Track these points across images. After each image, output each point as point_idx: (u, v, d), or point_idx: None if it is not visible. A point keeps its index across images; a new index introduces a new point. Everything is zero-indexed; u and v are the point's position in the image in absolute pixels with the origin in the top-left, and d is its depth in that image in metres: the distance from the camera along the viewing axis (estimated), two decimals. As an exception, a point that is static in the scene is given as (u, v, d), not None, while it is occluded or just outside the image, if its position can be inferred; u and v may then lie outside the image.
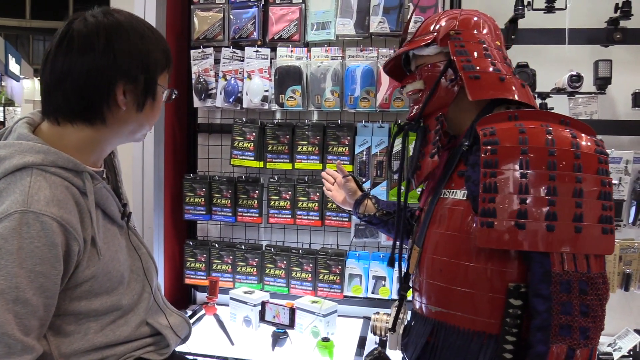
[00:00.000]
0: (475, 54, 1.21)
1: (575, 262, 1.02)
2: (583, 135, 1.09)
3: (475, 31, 1.26)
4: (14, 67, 13.61)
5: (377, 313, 1.41)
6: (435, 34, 1.26)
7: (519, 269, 1.09)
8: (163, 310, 1.28)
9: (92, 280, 1.06)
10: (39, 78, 1.09)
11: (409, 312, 1.36)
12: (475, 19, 1.28)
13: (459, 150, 1.21)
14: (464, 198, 1.15)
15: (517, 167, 1.05)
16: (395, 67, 1.47)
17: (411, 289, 1.33)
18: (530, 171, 1.04)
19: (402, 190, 1.38)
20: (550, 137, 1.06)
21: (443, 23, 1.27)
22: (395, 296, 2.14)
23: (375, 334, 1.39)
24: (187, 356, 1.40)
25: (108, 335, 1.11)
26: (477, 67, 1.19)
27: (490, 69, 1.19)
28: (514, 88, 1.20)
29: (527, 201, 1.03)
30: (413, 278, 1.30)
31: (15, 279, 0.93)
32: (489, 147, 1.08)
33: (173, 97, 1.19)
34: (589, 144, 1.08)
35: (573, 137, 1.07)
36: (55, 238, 0.96)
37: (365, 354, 1.30)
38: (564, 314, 1.01)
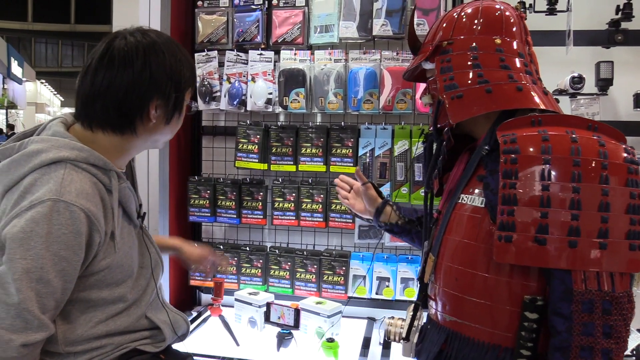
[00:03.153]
0: (461, 68, 1.14)
1: (598, 280, 0.96)
2: (612, 142, 1.01)
3: (469, 35, 1.17)
4: (16, 69, 13.65)
5: (392, 318, 1.34)
6: (430, 47, 1.22)
7: (538, 283, 1.03)
8: (164, 307, 1.34)
9: (106, 270, 1.14)
10: (77, 87, 1.18)
11: (425, 315, 1.32)
12: (470, 16, 1.19)
13: (478, 153, 1.15)
14: (482, 205, 1.10)
15: (538, 178, 0.98)
16: (417, 71, 1.39)
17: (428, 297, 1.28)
18: (552, 183, 0.98)
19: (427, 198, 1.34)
20: (575, 146, 0.98)
21: (440, 33, 1.22)
22: (399, 297, 2.16)
23: (389, 339, 1.36)
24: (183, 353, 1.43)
25: (109, 325, 1.18)
26: (459, 85, 1.13)
27: (477, 83, 1.12)
28: (507, 96, 1.11)
29: (548, 215, 0.97)
30: (430, 285, 1.26)
31: (41, 260, 1.01)
32: (509, 156, 1.01)
33: (192, 109, 1.30)
34: (618, 152, 1.00)
35: (601, 145, 0.99)
36: (81, 227, 1.05)
37: None
38: (586, 335, 0.96)
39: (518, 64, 1.15)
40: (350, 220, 2.19)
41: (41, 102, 22.05)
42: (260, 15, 2.21)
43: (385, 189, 2.13)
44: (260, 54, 2.21)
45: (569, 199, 0.97)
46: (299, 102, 2.17)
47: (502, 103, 1.12)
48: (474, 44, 1.16)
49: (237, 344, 1.98)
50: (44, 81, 23.19)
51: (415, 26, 2.02)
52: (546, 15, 1.99)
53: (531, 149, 1.00)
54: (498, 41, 1.16)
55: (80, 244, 1.05)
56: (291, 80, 2.17)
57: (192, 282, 2.38)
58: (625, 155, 1.00)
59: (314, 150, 2.20)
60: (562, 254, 0.97)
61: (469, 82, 1.13)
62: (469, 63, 1.15)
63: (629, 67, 2.09)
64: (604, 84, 2.01)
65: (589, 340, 0.96)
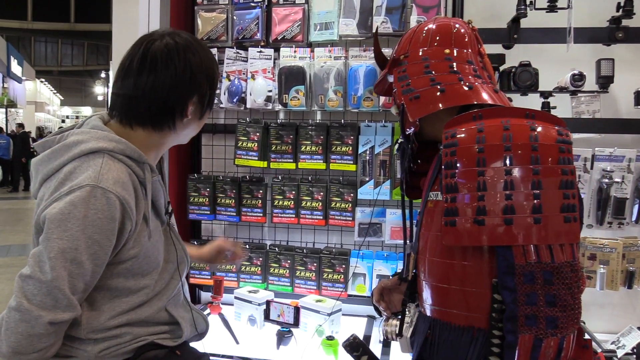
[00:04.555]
0: (415, 75, 1.27)
1: (538, 253, 1.04)
2: (545, 126, 1.10)
3: (424, 48, 1.30)
4: (16, 68, 13.66)
5: (388, 319, 1.42)
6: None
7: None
8: (187, 304, 1.37)
9: (134, 259, 1.18)
10: (112, 89, 1.27)
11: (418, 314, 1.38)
12: (425, 32, 1.32)
13: (439, 155, 1.25)
14: (442, 199, 1.18)
15: (474, 165, 1.08)
16: (387, 85, 1.51)
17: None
18: (487, 168, 1.07)
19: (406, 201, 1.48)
20: (507, 133, 1.08)
21: (397, 47, 1.36)
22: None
23: (388, 339, 1.42)
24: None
25: (130, 314, 1.21)
26: (415, 88, 1.25)
27: (430, 85, 1.24)
28: (459, 93, 1.22)
29: (485, 198, 1.06)
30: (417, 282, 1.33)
31: (77, 241, 1.06)
32: (449, 150, 1.12)
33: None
34: (550, 134, 1.08)
35: (532, 130, 1.08)
36: (115, 214, 1.10)
37: (342, 342, 1.38)
38: (529, 304, 1.03)
39: (467, 70, 1.27)
40: (350, 218, 2.18)
41: (41, 101, 22.04)
42: (260, 13, 2.20)
43: (385, 187, 2.12)
44: (260, 52, 2.21)
45: (503, 181, 1.05)
46: (298, 99, 2.16)
47: (455, 100, 1.23)
48: (426, 55, 1.30)
49: (237, 342, 1.98)
50: (43, 80, 23.21)
51: (415, 23, 2.03)
52: (547, 12, 1.99)
53: (467, 141, 1.10)
54: (447, 51, 1.29)
55: (113, 229, 1.10)
56: (291, 77, 2.16)
57: (192, 280, 2.37)
58: (557, 136, 1.08)
59: (313, 148, 2.19)
60: (500, 232, 1.05)
61: (424, 85, 1.25)
62: (422, 70, 1.27)
63: (630, 64, 2.08)
64: (605, 82, 2.01)
65: (533, 309, 1.03)
